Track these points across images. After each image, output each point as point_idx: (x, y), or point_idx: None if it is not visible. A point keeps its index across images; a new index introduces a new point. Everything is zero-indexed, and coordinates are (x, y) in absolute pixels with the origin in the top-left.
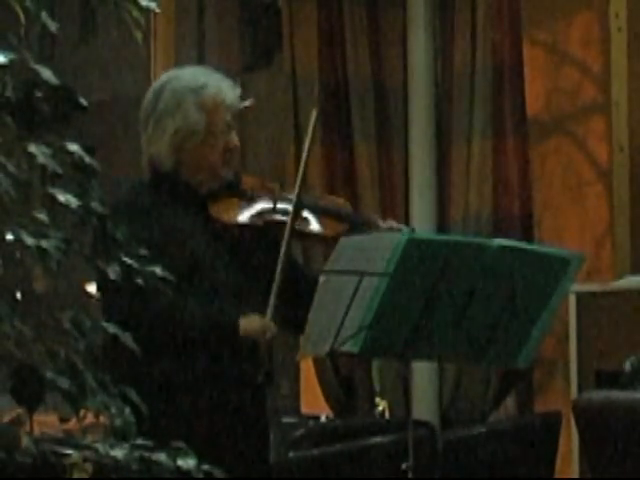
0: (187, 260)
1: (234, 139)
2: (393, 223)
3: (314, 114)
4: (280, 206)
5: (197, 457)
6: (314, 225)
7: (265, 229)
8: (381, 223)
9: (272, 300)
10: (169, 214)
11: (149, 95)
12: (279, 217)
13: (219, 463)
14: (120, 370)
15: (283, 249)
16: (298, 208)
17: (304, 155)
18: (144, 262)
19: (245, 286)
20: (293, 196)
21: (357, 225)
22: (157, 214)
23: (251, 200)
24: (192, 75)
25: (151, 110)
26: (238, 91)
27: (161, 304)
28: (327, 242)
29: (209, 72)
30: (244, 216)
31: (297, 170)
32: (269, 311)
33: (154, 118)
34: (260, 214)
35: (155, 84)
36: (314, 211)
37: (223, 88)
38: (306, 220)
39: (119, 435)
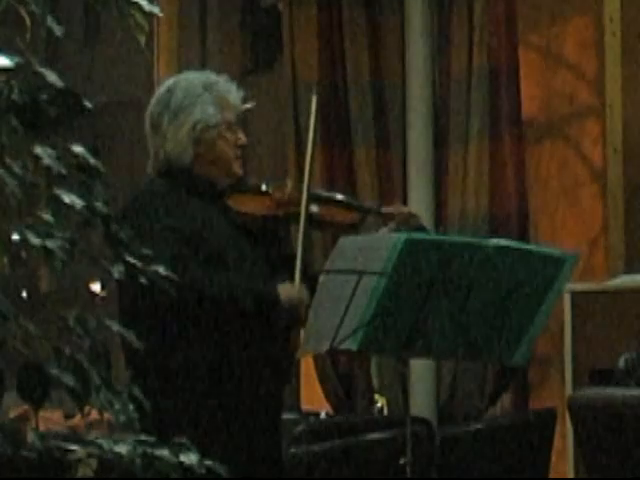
0: (213, 249)
1: (243, 136)
2: (398, 208)
3: (314, 102)
4: (294, 196)
5: (214, 451)
6: (329, 212)
7: (284, 219)
8: (385, 209)
9: (298, 265)
10: (190, 206)
11: (160, 95)
12: (296, 207)
13: (235, 459)
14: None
15: (302, 223)
16: (310, 196)
17: (310, 145)
18: (147, 261)
19: (268, 274)
20: (304, 187)
21: (365, 212)
22: (179, 205)
23: (265, 193)
24: (202, 74)
25: (164, 107)
26: (242, 93)
27: (203, 279)
28: (343, 229)
29: (214, 74)
30: (263, 207)
31: (297, 172)
32: (297, 276)
33: (169, 114)
34: (278, 205)
35: (164, 86)
36: (326, 202)
37: (231, 89)
38: (321, 208)
39: (126, 429)
